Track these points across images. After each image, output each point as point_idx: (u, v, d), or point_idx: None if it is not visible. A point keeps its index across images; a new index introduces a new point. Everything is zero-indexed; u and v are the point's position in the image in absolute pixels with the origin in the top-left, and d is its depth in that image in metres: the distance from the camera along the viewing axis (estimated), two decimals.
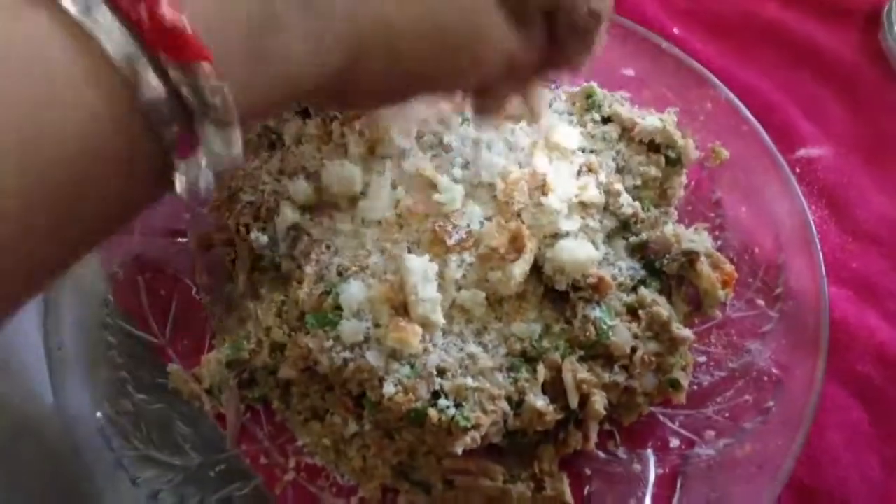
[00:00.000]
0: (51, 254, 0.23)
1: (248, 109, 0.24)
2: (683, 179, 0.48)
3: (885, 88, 0.57)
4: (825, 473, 0.46)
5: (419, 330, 0.39)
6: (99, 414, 0.42)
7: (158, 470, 0.42)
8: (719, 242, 0.48)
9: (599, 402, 0.41)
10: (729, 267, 0.46)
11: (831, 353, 0.45)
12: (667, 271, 0.44)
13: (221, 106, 0.23)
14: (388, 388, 0.38)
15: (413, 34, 0.28)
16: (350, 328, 0.39)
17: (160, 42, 0.21)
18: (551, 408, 0.40)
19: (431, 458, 0.41)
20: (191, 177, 0.23)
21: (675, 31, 0.59)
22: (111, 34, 0.21)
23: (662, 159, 0.47)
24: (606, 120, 0.48)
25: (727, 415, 0.45)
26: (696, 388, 0.45)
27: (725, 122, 0.51)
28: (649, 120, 0.47)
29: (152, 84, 0.22)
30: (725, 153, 0.50)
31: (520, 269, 0.41)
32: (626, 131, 0.48)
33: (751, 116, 0.50)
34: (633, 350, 0.42)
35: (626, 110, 0.48)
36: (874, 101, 0.57)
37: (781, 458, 0.43)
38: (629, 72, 0.53)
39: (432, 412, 0.38)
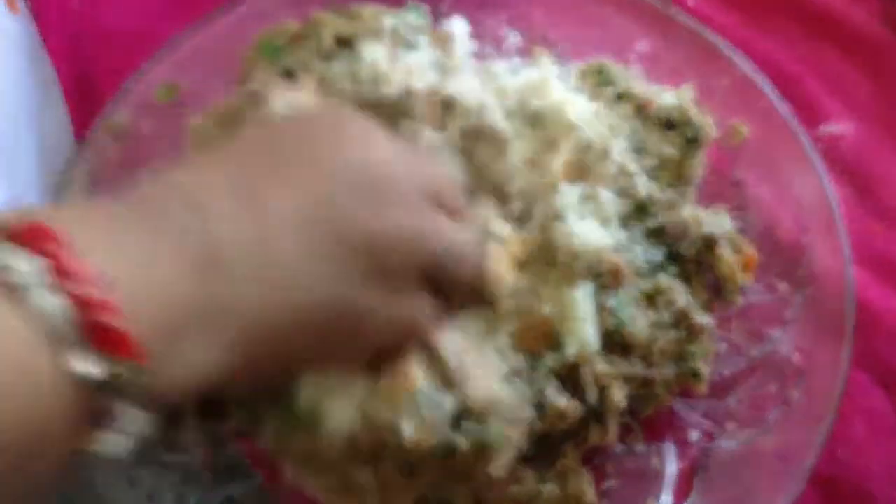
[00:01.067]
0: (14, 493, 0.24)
1: (165, 401, 0.27)
2: (702, 159, 0.46)
3: None
4: (848, 464, 0.45)
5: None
6: None
7: (157, 469, 0.41)
8: (740, 224, 0.46)
9: (618, 394, 0.39)
10: (750, 249, 0.44)
11: (855, 338, 0.43)
12: (685, 255, 0.43)
13: (143, 402, 0.25)
14: (408, 430, 0.35)
15: (294, 330, 0.31)
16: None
17: (107, 344, 0.24)
18: (573, 404, 0.38)
19: (458, 481, 0.39)
20: (107, 446, 0.26)
21: (690, 2, 0.56)
22: (61, 325, 0.23)
23: (680, 138, 0.45)
24: (620, 97, 0.47)
25: (749, 405, 0.44)
26: (716, 377, 0.44)
27: (745, 97, 0.49)
28: (665, 97, 0.46)
29: (87, 367, 0.24)
30: (745, 130, 0.48)
31: None
32: (641, 109, 0.46)
33: (771, 92, 0.48)
34: (652, 339, 0.40)
35: (640, 87, 0.46)
36: None
37: (806, 450, 0.41)
38: (643, 46, 0.51)
39: (460, 440, 0.36)
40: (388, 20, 0.46)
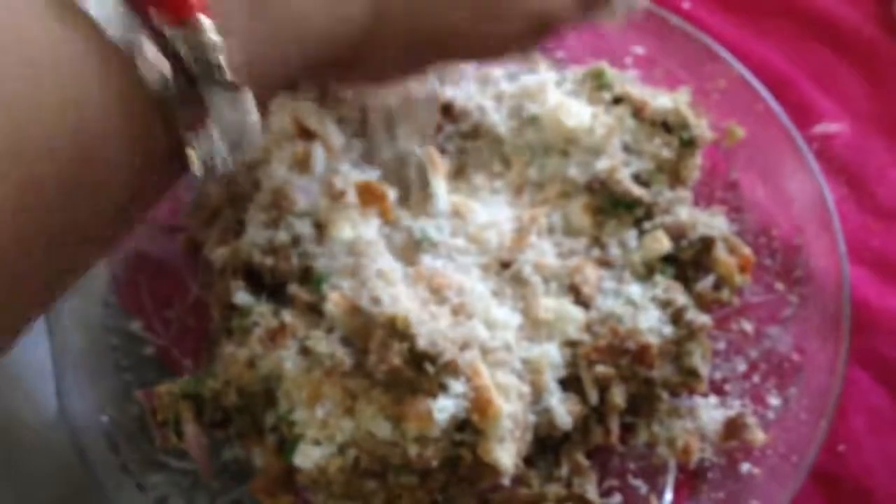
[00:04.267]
0: (65, 254, 0.21)
1: (258, 75, 0.21)
2: (698, 161, 0.47)
3: None
4: (848, 460, 0.45)
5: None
6: (104, 418, 0.41)
7: (165, 474, 0.41)
8: (736, 225, 0.47)
9: (619, 394, 0.40)
10: (747, 250, 0.45)
11: (852, 335, 0.43)
12: (682, 257, 0.43)
13: (226, 65, 0.20)
14: (412, 450, 0.35)
15: None
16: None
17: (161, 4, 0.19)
18: (576, 408, 0.39)
19: (465, 485, 0.39)
20: (204, 152, 0.21)
21: (685, 5, 0.57)
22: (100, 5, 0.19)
23: (676, 140, 0.45)
24: (617, 101, 0.47)
25: (748, 403, 0.44)
26: (715, 375, 0.44)
27: (740, 99, 0.49)
28: (661, 100, 0.46)
29: (149, 51, 0.19)
30: (741, 132, 0.48)
31: None
32: (638, 112, 0.46)
33: (766, 93, 0.49)
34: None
35: (637, 90, 0.47)
36: (891, 75, 0.55)
37: (805, 446, 0.42)
38: (639, 49, 0.51)
39: (464, 453, 0.36)
40: None
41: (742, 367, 0.45)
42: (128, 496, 0.40)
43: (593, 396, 0.40)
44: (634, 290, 0.41)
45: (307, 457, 0.37)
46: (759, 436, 0.42)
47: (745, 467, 0.42)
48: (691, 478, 0.43)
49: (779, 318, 0.46)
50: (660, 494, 0.42)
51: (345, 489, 0.38)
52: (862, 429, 0.46)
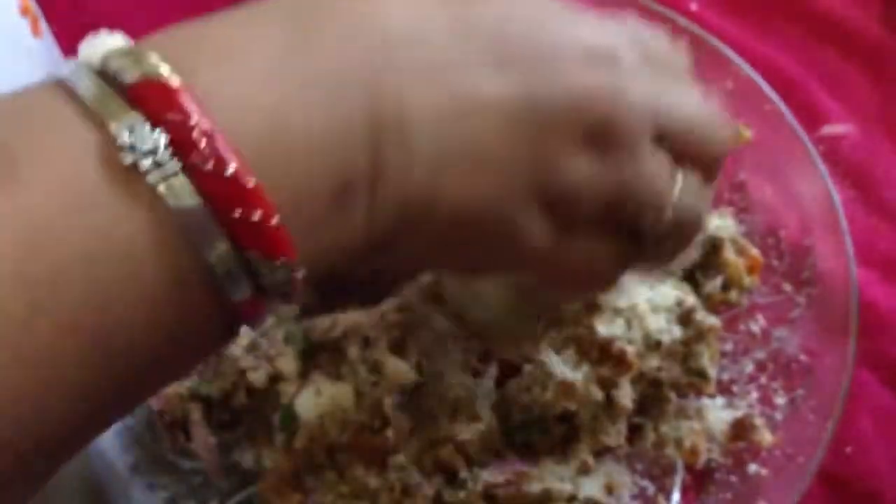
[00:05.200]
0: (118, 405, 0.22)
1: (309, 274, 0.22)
2: None
3: None
4: (856, 462, 0.45)
5: None
6: None
7: (175, 475, 0.41)
8: (744, 226, 0.47)
9: (626, 395, 0.40)
10: (755, 252, 0.45)
11: (860, 337, 0.43)
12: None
13: (290, 286, 0.22)
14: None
15: (451, 215, 0.25)
16: None
17: (254, 244, 0.20)
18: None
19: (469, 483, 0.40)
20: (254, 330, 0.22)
21: (693, 6, 0.57)
22: (196, 222, 0.20)
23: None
24: None
25: (756, 404, 0.44)
26: (723, 376, 0.44)
27: (747, 100, 0.49)
28: None
29: (221, 251, 0.20)
30: (748, 133, 0.48)
31: None
32: None
33: (773, 94, 0.49)
34: (658, 341, 0.41)
35: None
36: None
37: (812, 447, 0.42)
38: None
39: None
40: None
41: (749, 368, 0.45)
42: (138, 496, 0.41)
43: (598, 394, 0.40)
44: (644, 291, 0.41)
45: (310, 406, 0.37)
46: (766, 437, 0.42)
47: (753, 468, 0.43)
48: (699, 478, 0.43)
49: (786, 319, 0.46)
50: (667, 495, 0.43)
51: (351, 486, 0.39)
52: (869, 430, 0.46)
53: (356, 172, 0.22)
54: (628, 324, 0.41)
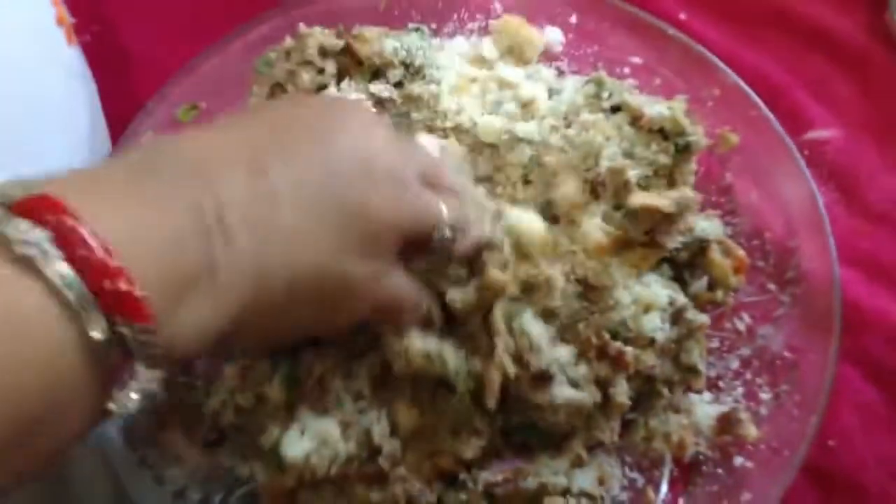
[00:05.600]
0: None
1: (179, 355, 0.28)
2: (693, 166, 0.48)
3: (894, 68, 0.57)
4: (840, 457, 0.46)
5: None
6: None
7: (182, 467, 0.42)
8: (730, 228, 0.49)
9: (622, 393, 0.41)
10: (741, 253, 0.46)
11: (844, 335, 0.45)
12: (677, 260, 0.45)
13: (153, 353, 0.27)
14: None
15: (289, 291, 0.32)
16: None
17: (116, 307, 0.25)
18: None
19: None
20: (121, 406, 0.27)
21: (682, 16, 0.58)
22: (74, 294, 0.25)
23: (672, 147, 0.47)
24: (615, 109, 0.49)
25: (742, 399, 0.45)
26: (710, 373, 0.46)
27: (734, 107, 0.51)
28: (657, 108, 0.47)
29: (100, 331, 0.25)
30: (735, 138, 0.50)
31: None
32: (636, 120, 0.47)
33: (759, 101, 0.50)
34: (652, 339, 0.42)
35: (634, 99, 0.48)
36: (883, 82, 0.57)
37: (797, 442, 0.43)
38: (636, 59, 0.53)
39: None
40: (390, 42, 0.48)
41: (735, 364, 0.46)
42: (145, 489, 0.42)
43: (597, 395, 0.41)
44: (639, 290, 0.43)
45: (295, 447, 0.39)
46: (751, 431, 0.43)
47: (739, 461, 0.44)
48: (686, 471, 0.44)
49: (771, 317, 0.47)
50: (656, 487, 0.44)
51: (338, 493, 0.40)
52: (852, 424, 0.47)
53: (194, 266, 0.28)
54: (624, 324, 0.42)
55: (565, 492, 0.41)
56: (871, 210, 0.53)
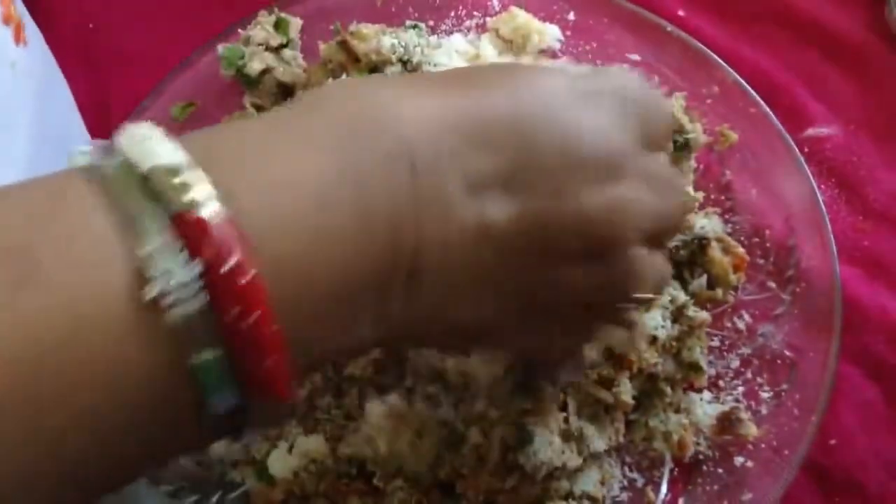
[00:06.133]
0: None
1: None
2: (693, 164, 0.48)
3: (894, 64, 0.57)
4: (841, 455, 0.46)
5: None
6: None
7: (177, 468, 0.42)
8: (730, 226, 0.48)
9: (627, 392, 0.41)
10: (740, 250, 0.46)
11: (844, 333, 0.45)
12: (677, 259, 0.44)
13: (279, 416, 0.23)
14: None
15: (446, 329, 0.29)
16: None
17: (259, 392, 0.21)
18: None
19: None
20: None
21: (680, 13, 0.58)
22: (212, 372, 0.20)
23: (671, 144, 0.47)
24: None
25: (742, 398, 0.45)
26: (710, 371, 0.45)
27: (733, 104, 0.50)
28: None
29: (226, 398, 0.21)
30: (734, 136, 0.50)
31: None
32: None
33: (758, 98, 0.50)
34: (654, 337, 0.42)
35: None
36: (882, 79, 0.56)
37: (797, 441, 0.43)
38: (635, 56, 0.53)
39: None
40: (388, 39, 0.48)
41: (735, 363, 0.46)
42: (142, 490, 0.41)
43: (608, 397, 0.41)
44: None
45: (282, 464, 0.39)
46: (752, 430, 0.43)
47: (739, 461, 0.43)
48: (686, 471, 0.44)
49: (771, 315, 0.47)
50: (656, 487, 0.44)
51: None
52: (853, 424, 0.47)
53: (368, 303, 0.24)
54: None
55: (568, 495, 0.41)
56: (871, 207, 0.52)
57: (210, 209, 0.20)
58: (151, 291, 0.19)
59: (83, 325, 0.19)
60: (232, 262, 0.20)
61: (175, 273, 0.19)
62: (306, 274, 0.22)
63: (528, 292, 0.28)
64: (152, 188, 0.20)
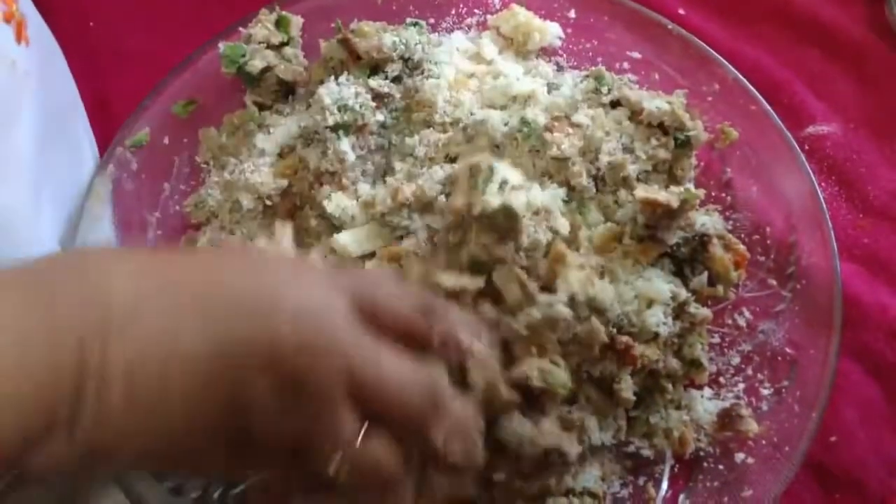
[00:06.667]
0: None
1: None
2: (693, 161, 0.48)
3: (893, 63, 0.57)
4: (841, 452, 0.46)
5: None
6: None
7: None
8: (731, 223, 0.48)
9: (628, 389, 0.41)
10: (741, 248, 0.46)
11: (844, 330, 0.45)
12: (678, 256, 0.44)
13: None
14: None
15: (137, 455, 0.30)
16: None
17: None
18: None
19: None
20: None
21: (681, 11, 0.58)
22: None
23: (672, 142, 0.47)
24: (615, 104, 0.48)
25: (742, 395, 0.45)
26: (710, 368, 0.45)
27: (733, 101, 0.51)
28: (657, 102, 0.47)
29: None
30: (735, 133, 0.50)
31: None
32: (635, 115, 0.48)
33: (759, 95, 0.50)
34: (656, 334, 0.42)
35: (634, 94, 0.48)
36: (882, 76, 0.56)
37: (798, 438, 0.43)
38: (635, 54, 0.53)
39: None
40: (389, 37, 0.48)
41: (736, 360, 0.46)
42: (145, 485, 0.41)
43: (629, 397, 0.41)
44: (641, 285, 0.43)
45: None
46: (752, 426, 0.43)
47: (740, 457, 0.44)
48: (687, 467, 0.44)
49: (772, 312, 0.47)
50: (657, 483, 0.44)
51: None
52: (853, 420, 0.47)
53: (59, 417, 0.27)
54: (628, 319, 0.42)
55: (569, 492, 0.41)
56: (871, 205, 0.53)
57: None
58: None
59: None
60: None
61: None
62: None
63: (216, 416, 0.29)
64: None
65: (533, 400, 0.38)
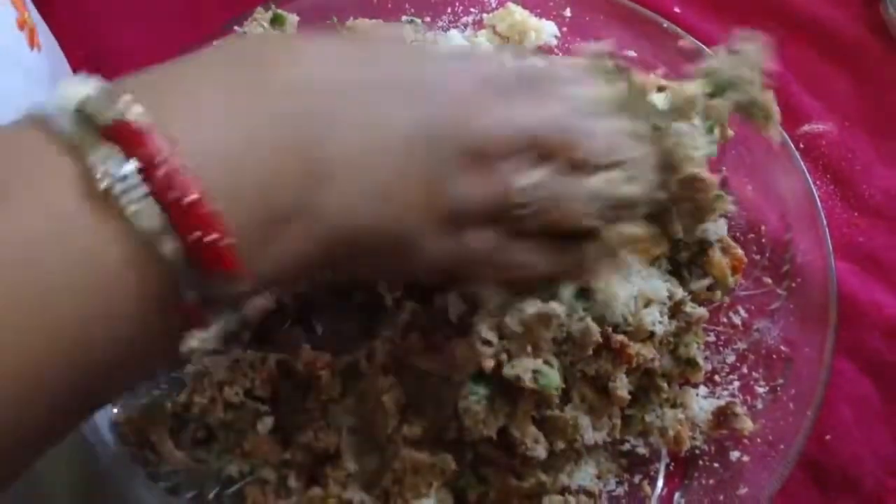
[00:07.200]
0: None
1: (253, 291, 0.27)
2: None
3: (889, 62, 0.57)
4: (837, 450, 0.46)
5: None
6: (114, 411, 0.43)
7: (176, 463, 0.42)
8: (726, 221, 0.48)
9: (623, 387, 0.41)
10: (739, 252, 0.46)
11: (840, 328, 0.45)
12: (677, 259, 0.45)
13: (238, 296, 0.26)
14: None
15: (369, 239, 0.30)
16: None
17: (205, 262, 0.24)
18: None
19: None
20: (199, 344, 0.26)
21: (676, 9, 0.58)
22: (162, 242, 0.23)
23: None
24: None
25: (738, 393, 0.45)
26: (706, 366, 0.45)
27: None
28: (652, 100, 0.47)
29: (189, 285, 0.24)
30: (730, 132, 0.49)
31: None
32: None
33: None
34: (652, 333, 0.42)
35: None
36: (878, 75, 0.57)
37: (793, 435, 0.43)
38: (631, 53, 0.53)
39: None
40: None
41: (731, 358, 0.46)
42: (140, 487, 0.42)
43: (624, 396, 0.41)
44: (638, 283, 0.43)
45: None
46: (747, 424, 0.43)
47: (735, 455, 0.44)
48: (682, 465, 0.44)
49: (767, 311, 0.47)
50: (652, 481, 0.44)
51: None
52: (848, 418, 0.47)
53: (285, 207, 0.26)
54: (623, 318, 0.42)
55: (565, 490, 0.41)
56: (866, 203, 0.53)
57: (135, 115, 0.24)
58: (101, 185, 0.23)
59: (59, 229, 0.22)
60: (161, 157, 0.23)
61: (117, 168, 0.23)
62: (237, 171, 0.25)
63: (424, 202, 0.30)
64: (85, 111, 0.24)
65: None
